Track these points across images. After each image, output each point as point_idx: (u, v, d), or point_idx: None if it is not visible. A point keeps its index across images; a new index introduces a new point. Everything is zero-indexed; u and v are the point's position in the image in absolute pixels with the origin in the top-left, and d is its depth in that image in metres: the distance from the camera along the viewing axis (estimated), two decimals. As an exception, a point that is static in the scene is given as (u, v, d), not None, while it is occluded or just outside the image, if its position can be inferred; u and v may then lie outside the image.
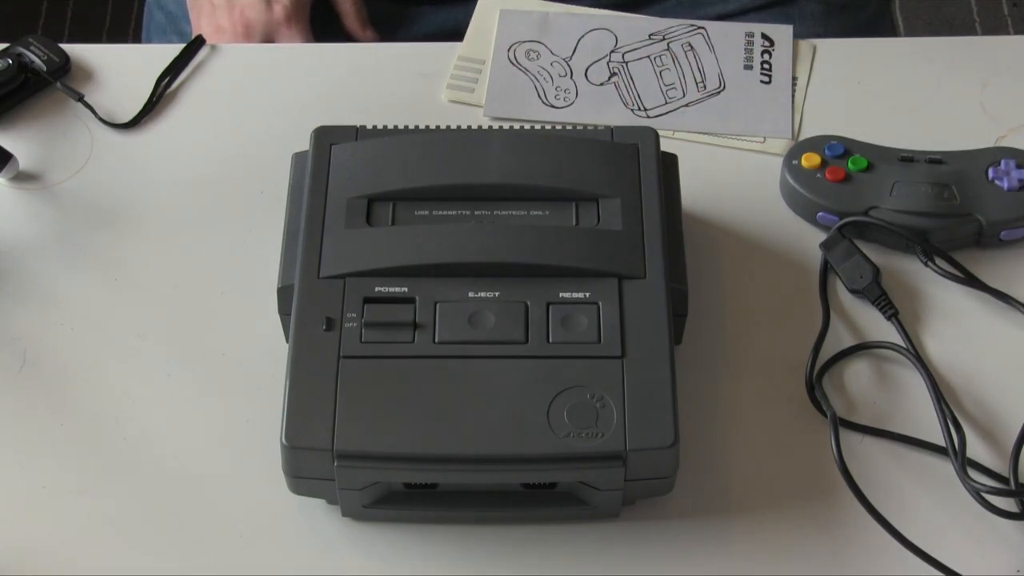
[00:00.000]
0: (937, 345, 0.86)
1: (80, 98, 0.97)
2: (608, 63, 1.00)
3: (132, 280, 0.89)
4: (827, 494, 0.80)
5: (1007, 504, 0.79)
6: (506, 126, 0.91)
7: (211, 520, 0.79)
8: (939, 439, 0.81)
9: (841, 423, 0.82)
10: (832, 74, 1.00)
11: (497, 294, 0.79)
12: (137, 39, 1.28)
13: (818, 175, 0.91)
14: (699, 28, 1.02)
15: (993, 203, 0.89)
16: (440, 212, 0.82)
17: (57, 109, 0.98)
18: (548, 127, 0.96)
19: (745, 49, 1.01)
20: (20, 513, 0.80)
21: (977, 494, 0.78)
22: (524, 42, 1.02)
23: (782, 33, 1.02)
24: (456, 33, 1.04)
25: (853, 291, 0.88)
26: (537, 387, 0.75)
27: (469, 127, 0.87)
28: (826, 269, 0.89)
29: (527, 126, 0.95)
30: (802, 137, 0.96)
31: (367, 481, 0.76)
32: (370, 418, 0.74)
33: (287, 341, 0.78)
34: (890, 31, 1.24)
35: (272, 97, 0.99)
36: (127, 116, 0.97)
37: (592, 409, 0.75)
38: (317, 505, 0.79)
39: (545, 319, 0.78)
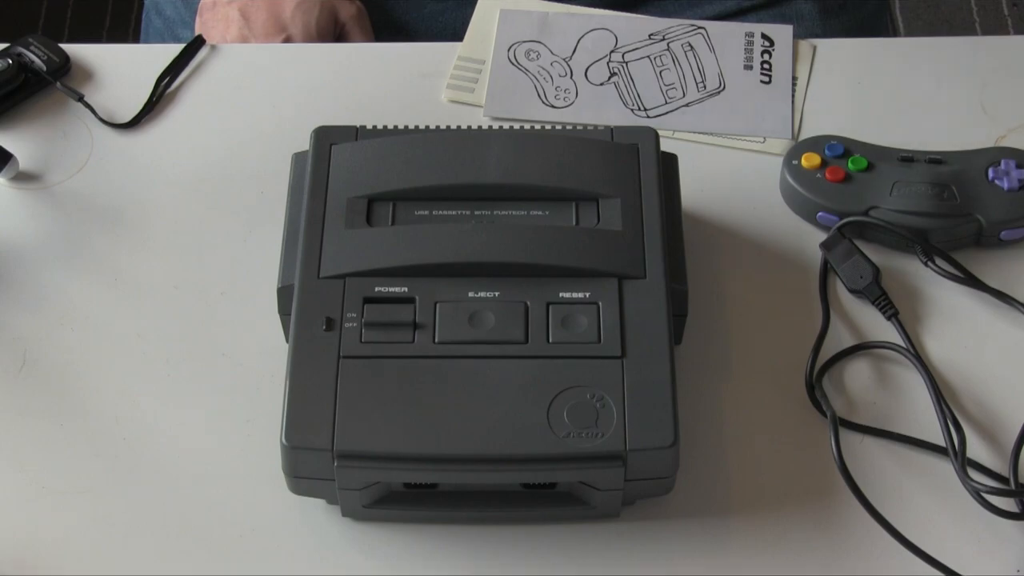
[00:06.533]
0: (937, 345, 0.86)
1: (80, 98, 0.97)
2: (608, 63, 1.00)
3: (132, 280, 0.89)
4: (827, 494, 0.80)
5: (1007, 504, 0.79)
6: (506, 126, 0.91)
7: (211, 520, 0.79)
8: (939, 439, 0.81)
9: (841, 423, 0.82)
10: (832, 74, 1.00)
11: (497, 294, 0.79)
12: (137, 41, 1.28)
13: (818, 175, 0.91)
14: (699, 28, 1.02)
15: (993, 203, 0.89)
16: (440, 212, 0.82)
17: (57, 109, 0.98)
18: (548, 127, 0.95)
19: (745, 49, 1.01)
20: (20, 513, 0.80)
21: (977, 494, 0.78)
22: (524, 42, 1.02)
23: (782, 33, 1.02)
24: (456, 33, 1.04)
25: (853, 291, 0.88)
26: (537, 387, 0.75)
27: (469, 127, 0.87)
28: (826, 269, 0.89)
29: (527, 126, 0.95)
30: (802, 137, 0.96)
31: (367, 481, 0.76)
32: (370, 418, 0.74)
33: (287, 341, 0.78)
34: (888, 32, 1.24)
35: (272, 97, 0.99)
36: (127, 116, 0.97)
37: (592, 409, 0.75)
38: (317, 505, 0.79)
39: (545, 319, 0.78)
